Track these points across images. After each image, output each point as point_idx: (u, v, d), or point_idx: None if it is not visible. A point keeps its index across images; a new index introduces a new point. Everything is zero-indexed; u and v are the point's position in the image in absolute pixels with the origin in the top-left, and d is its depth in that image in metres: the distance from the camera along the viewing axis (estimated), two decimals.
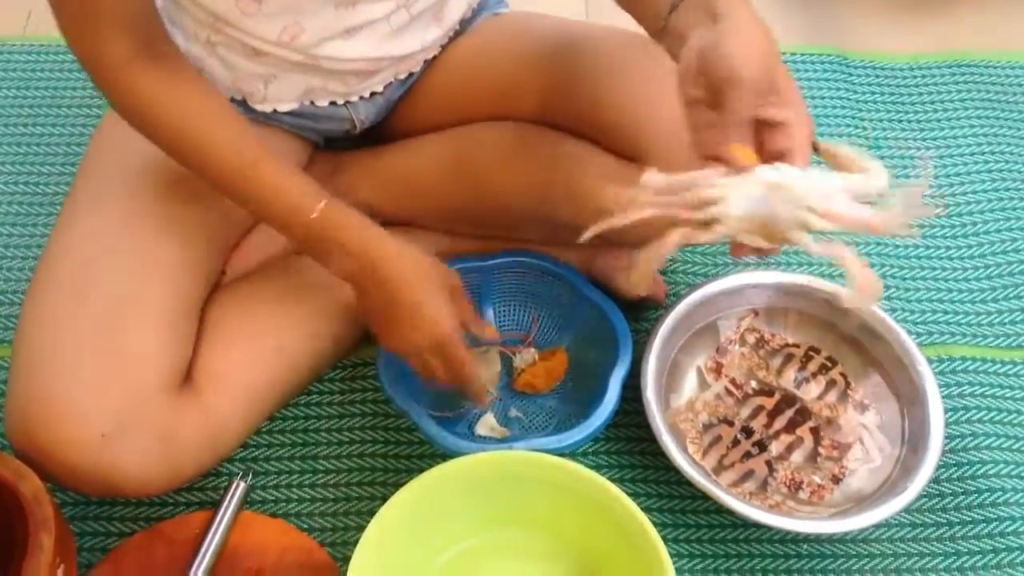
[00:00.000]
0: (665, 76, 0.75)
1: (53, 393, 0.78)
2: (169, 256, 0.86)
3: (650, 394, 0.93)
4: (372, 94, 0.96)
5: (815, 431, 0.97)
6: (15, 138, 1.22)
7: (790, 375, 1.01)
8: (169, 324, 0.85)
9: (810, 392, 0.99)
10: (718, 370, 1.00)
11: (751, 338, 1.02)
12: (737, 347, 1.02)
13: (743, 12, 0.68)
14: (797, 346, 1.02)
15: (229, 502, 0.88)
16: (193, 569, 0.84)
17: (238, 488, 0.89)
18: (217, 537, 0.86)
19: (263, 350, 0.91)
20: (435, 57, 0.99)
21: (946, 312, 1.09)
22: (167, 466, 0.82)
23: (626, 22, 0.83)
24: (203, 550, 0.85)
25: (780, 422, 0.98)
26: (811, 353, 1.02)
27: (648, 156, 0.87)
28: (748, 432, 0.97)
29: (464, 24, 1.00)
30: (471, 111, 0.99)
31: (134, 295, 0.83)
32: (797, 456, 0.96)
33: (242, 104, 0.91)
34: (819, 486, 0.93)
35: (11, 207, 1.16)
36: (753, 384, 1.00)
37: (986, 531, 0.93)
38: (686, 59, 0.68)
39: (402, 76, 0.97)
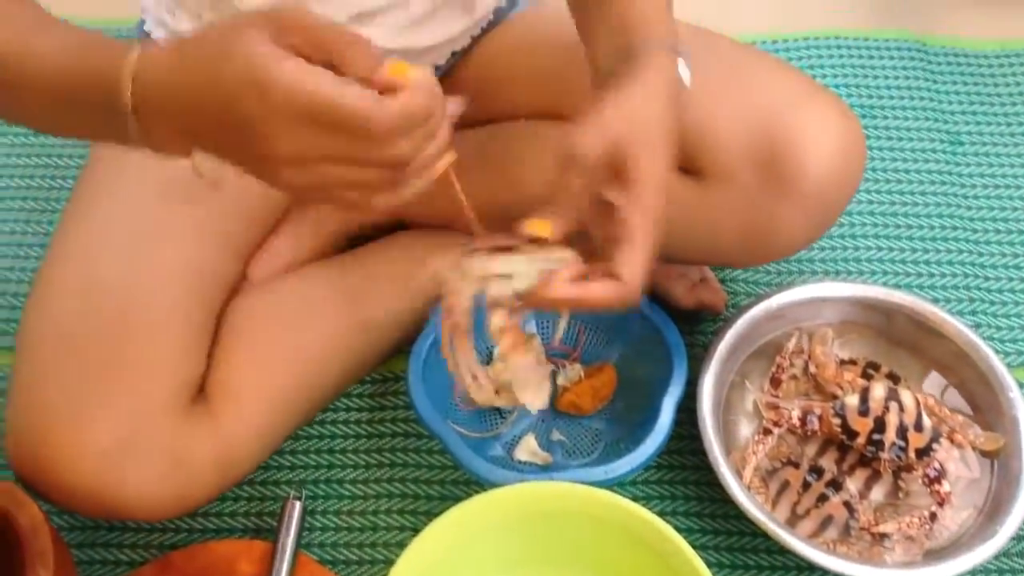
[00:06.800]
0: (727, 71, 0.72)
1: (54, 407, 0.72)
2: (179, 259, 0.80)
3: (707, 420, 0.84)
4: None
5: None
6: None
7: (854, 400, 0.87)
8: (180, 333, 0.78)
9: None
10: (776, 408, 0.89)
11: (799, 361, 0.92)
12: (788, 373, 0.91)
13: (636, 89, 0.65)
14: (854, 362, 0.92)
15: (287, 528, 0.81)
16: None
17: (294, 510, 0.82)
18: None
19: (282, 364, 0.84)
20: (465, 49, 0.91)
21: None
22: (173, 490, 0.76)
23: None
24: None
25: (853, 456, 0.88)
26: (870, 371, 0.91)
27: (707, 170, 0.80)
28: (818, 472, 0.87)
29: (499, 14, 0.91)
30: (506, 110, 0.90)
31: (142, 302, 0.76)
32: (876, 493, 0.86)
33: None
34: (908, 537, 0.82)
35: (26, 202, 1.09)
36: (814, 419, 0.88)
37: None
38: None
39: None
